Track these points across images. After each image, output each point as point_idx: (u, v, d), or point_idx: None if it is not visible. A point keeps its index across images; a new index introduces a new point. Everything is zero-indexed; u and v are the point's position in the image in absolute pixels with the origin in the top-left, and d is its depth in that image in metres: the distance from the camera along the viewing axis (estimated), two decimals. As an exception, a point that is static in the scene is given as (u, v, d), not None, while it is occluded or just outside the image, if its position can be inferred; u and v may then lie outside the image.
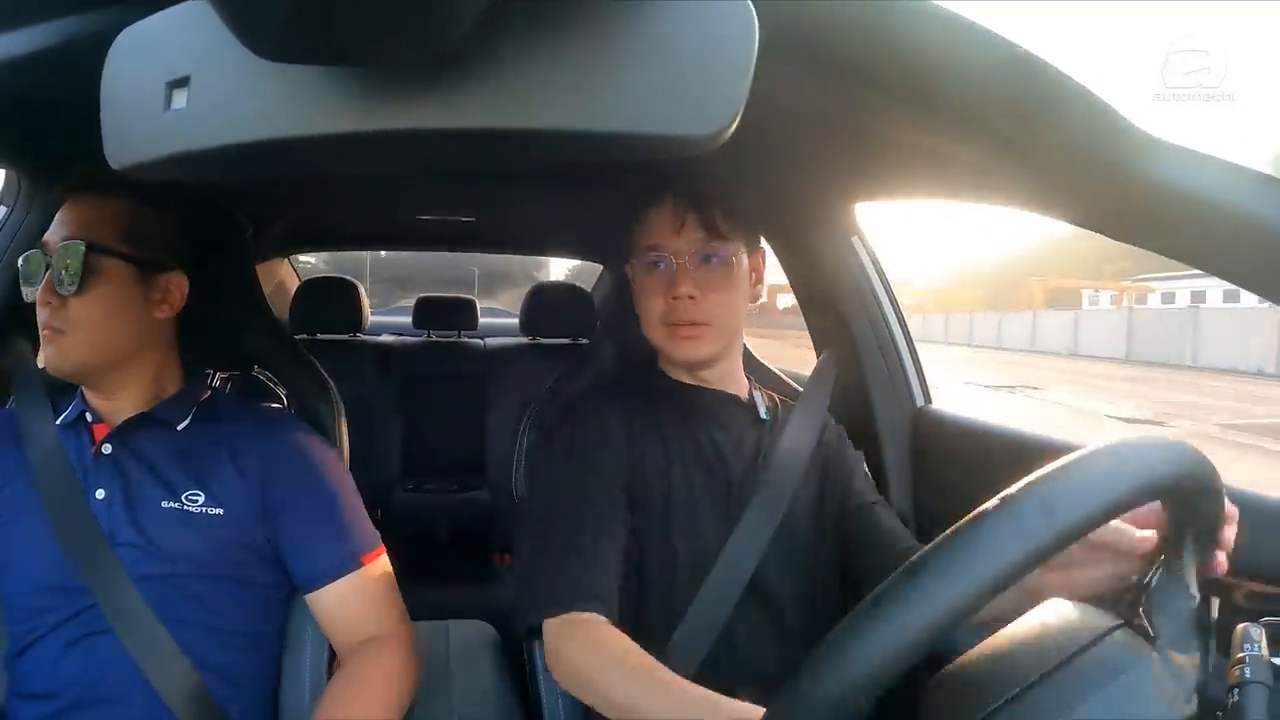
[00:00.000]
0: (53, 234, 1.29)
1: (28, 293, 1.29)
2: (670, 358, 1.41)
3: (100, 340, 1.29)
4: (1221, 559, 0.77)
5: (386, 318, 4.44)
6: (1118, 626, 0.66)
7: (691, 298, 1.32)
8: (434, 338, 3.77)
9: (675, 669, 1.23)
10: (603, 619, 1.20)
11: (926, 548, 0.60)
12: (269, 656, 1.40)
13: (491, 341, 3.74)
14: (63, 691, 1.24)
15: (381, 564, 1.39)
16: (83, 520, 1.25)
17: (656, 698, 1.07)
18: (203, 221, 1.39)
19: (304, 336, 3.28)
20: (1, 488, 1.31)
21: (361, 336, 3.55)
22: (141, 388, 1.36)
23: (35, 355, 1.52)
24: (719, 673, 1.27)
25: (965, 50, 0.79)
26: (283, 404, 1.60)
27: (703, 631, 1.29)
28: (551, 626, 1.21)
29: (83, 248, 1.25)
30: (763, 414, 1.47)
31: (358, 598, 1.35)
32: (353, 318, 3.43)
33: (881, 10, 0.78)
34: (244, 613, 1.34)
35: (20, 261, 1.29)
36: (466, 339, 3.78)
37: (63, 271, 1.25)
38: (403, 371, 3.52)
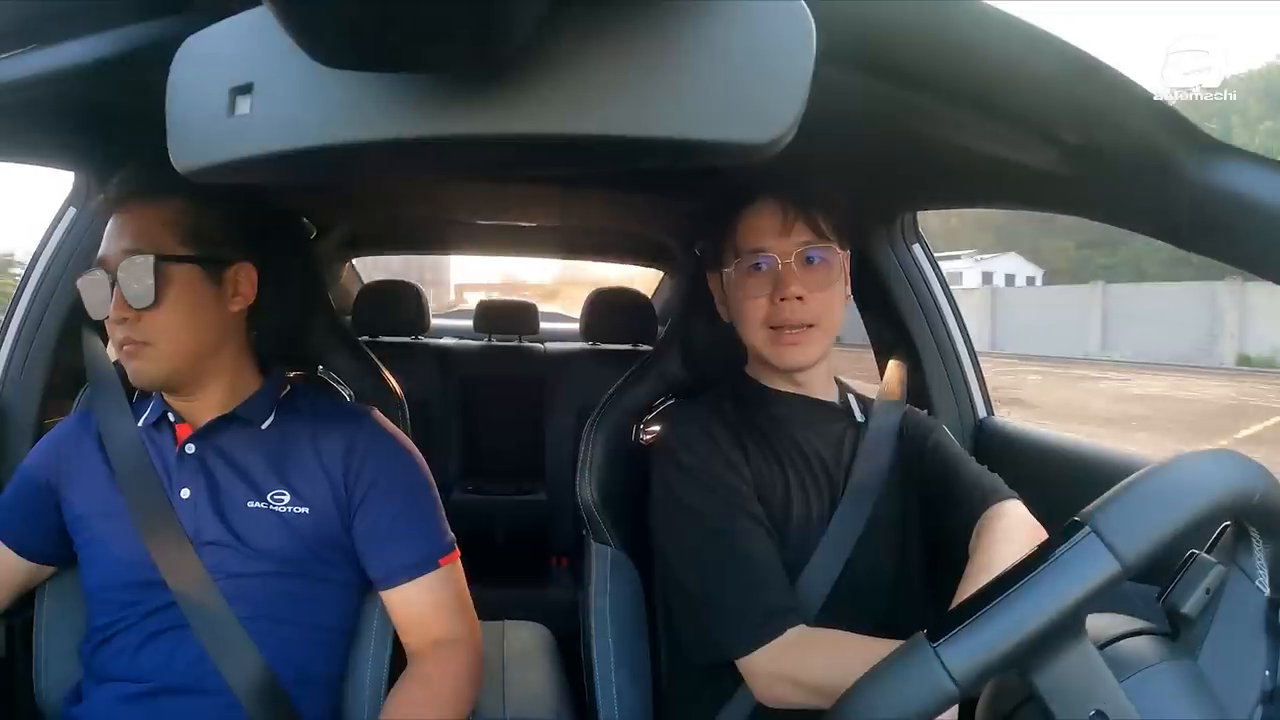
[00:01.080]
0: (111, 248, 1.28)
1: (96, 311, 1.28)
2: (776, 364, 1.38)
3: (183, 347, 1.29)
4: None
5: (448, 321, 4.48)
6: (1161, 635, 0.66)
7: (799, 299, 1.31)
8: (494, 341, 3.80)
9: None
10: (804, 626, 1.23)
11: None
12: (340, 653, 1.41)
13: (551, 346, 3.76)
14: (138, 681, 1.26)
15: (457, 568, 1.39)
16: (165, 519, 1.27)
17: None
18: (260, 211, 1.39)
19: (366, 338, 3.32)
20: (86, 487, 1.33)
21: (423, 339, 3.58)
22: (222, 386, 1.35)
23: (109, 352, 1.56)
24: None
25: (1027, 54, 0.78)
26: (344, 400, 1.61)
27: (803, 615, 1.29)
28: (761, 659, 1.23)
29: (150, 261, 1.24)
30: (859, 416, 1.47)
31: (432, 599, 1.35)
32: (414, 320, 3.46)
33: (941, 14, 0.77)
34: (320, 609, 1.35)
35: (81, 284, 1.28)
36: (527, 343, 3.80)
37: (133, 286, 1.24)
38: (463, 374, 3.55)
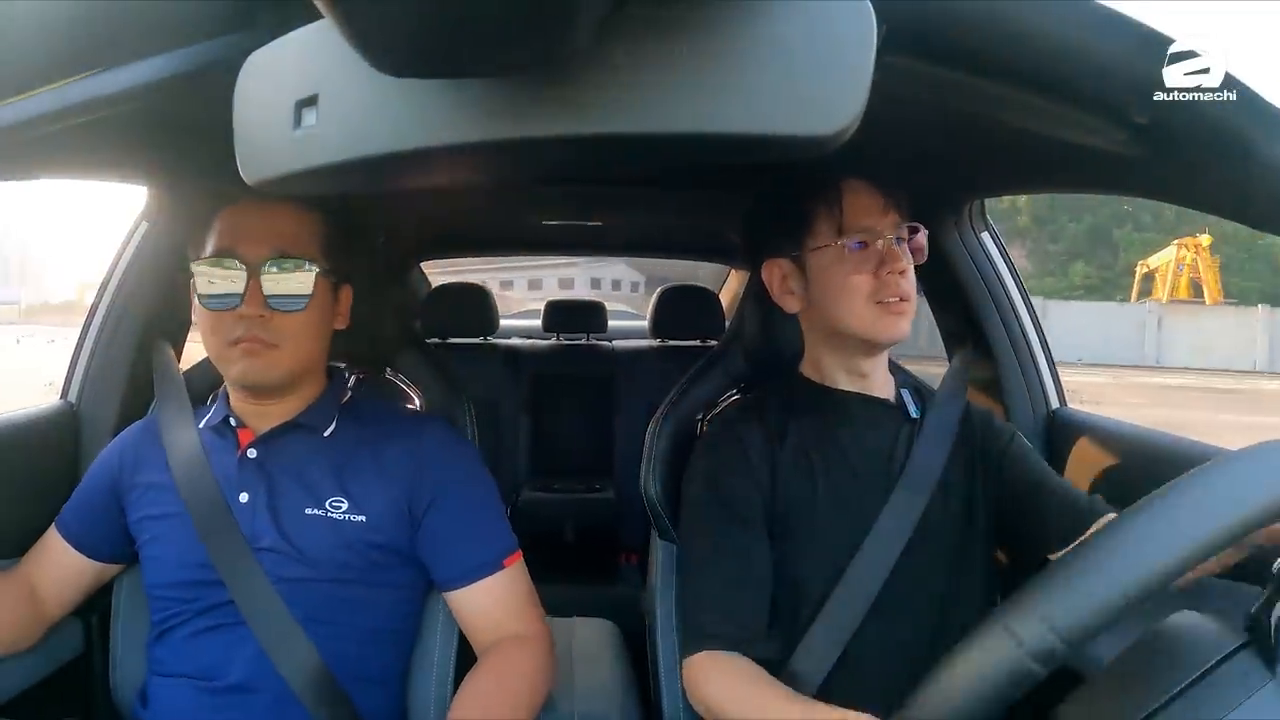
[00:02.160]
0: (249, 243, 1.28)
1: (222, 304, 1.27)
2: (878, 337, 1.36)
3: (305, 353, 1.33)
4: None
5: (517, 321, 4.51)
6: (1240, 648, 0.62)
7: (903, 273, 1.32)
8: (563, 340, 3.82)
9: (805, 671, 1.27)
10: (737, 655, 1.26)
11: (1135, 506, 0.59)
12: (401, 652, 1.43)
13: (620, 344, 3.77)
14: (198, 676, 1.29)
15: (521, 567, 1.41)
16: (224, 522, 1.30)
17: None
18: (353, 232, 1.42)
19: (436, 340, 3.36)
20: (149, 487, 1.37)
21: (491, 340, 3.62)
22: (299, 395, 1.38)
23: (179, 360, 1.59)
24: (849, 679, 1.28)
25: (1093, 33, 0.76)
26: (417, 405, 1.63)
27: (835, 633, 1.29)
28: (691, 664, 1.29)
29: (308, 268, 1.28)
30: (913, 412, 1.44)
31: (499, 598, 1.37)
32: (483, 321, 3.50)
33: None
34: (380, 612, 1.36)
35: (204, 271, 1.27)
36: (595, 341, 3.81)
37: (282, 288, 1.27)
38: (531, 373, 3.57)
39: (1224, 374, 25.74)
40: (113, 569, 1.45)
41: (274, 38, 0.68)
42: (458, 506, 1.38)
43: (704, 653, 1.27)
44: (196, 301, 1.30)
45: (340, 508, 1.32)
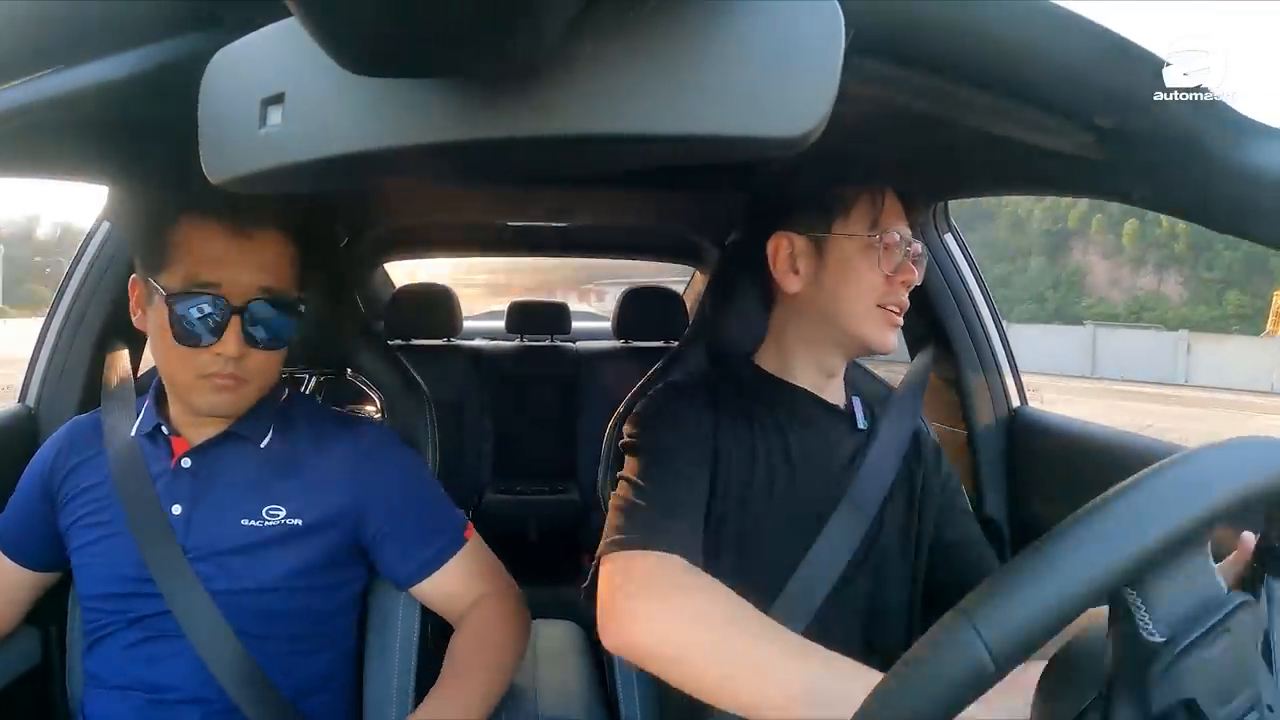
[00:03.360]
0: (231, 277, 1.22)
1: (203, 342, 1.22)
2: (871, 342, 1.32)
3: (268, 384, 1.32)
4: None
5: (481, 323, 4.50)
6: None
7: (909, 286, 1.31)
8: (526, 342, 3.81)
9: None
10: (680, 559, 1.10)
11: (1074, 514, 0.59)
12: (344, 654, 1.42)
13: (584, 345, 3.77)
14: (135, 687, 1.27)
15: (475, 537, 1.42)
16: (159, 530, 1.27)
17: (754, 639, 0.99)
18: (317, 237, 1.39)
19: (399, 342, 3.35)
20: (88, 489, 1.33)
21: (455, 341, 3.60)
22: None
23: (137, 366, 1.57)
24: None
25: (1058, 38, 0.77)
26: (377, 407, 1.63)
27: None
28: (612, 563, 1.11)
29: (289, 302, 1.27)
30: (861, 423, 1.41)
31: (464, 574, 1.39)
32: (447, 323, 3.48)
33: (972, 2, 0.76)
34: (320, 617, 1.36)
35: (184, 308, 1.21)
36: (559, 343, 3.81)
37: (268, 334, 1.25)
38: (495, 375, 3.57)
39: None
40: (51, 578, 1.41)
41: (240, 36, 0.67)
42: (404, 506, 1.37)
43: (636, 551, 1.10)
44: (162, 323, 1.22)
45: (277, 515, 1.30)
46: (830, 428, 1.38)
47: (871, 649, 1.30)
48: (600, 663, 1.59)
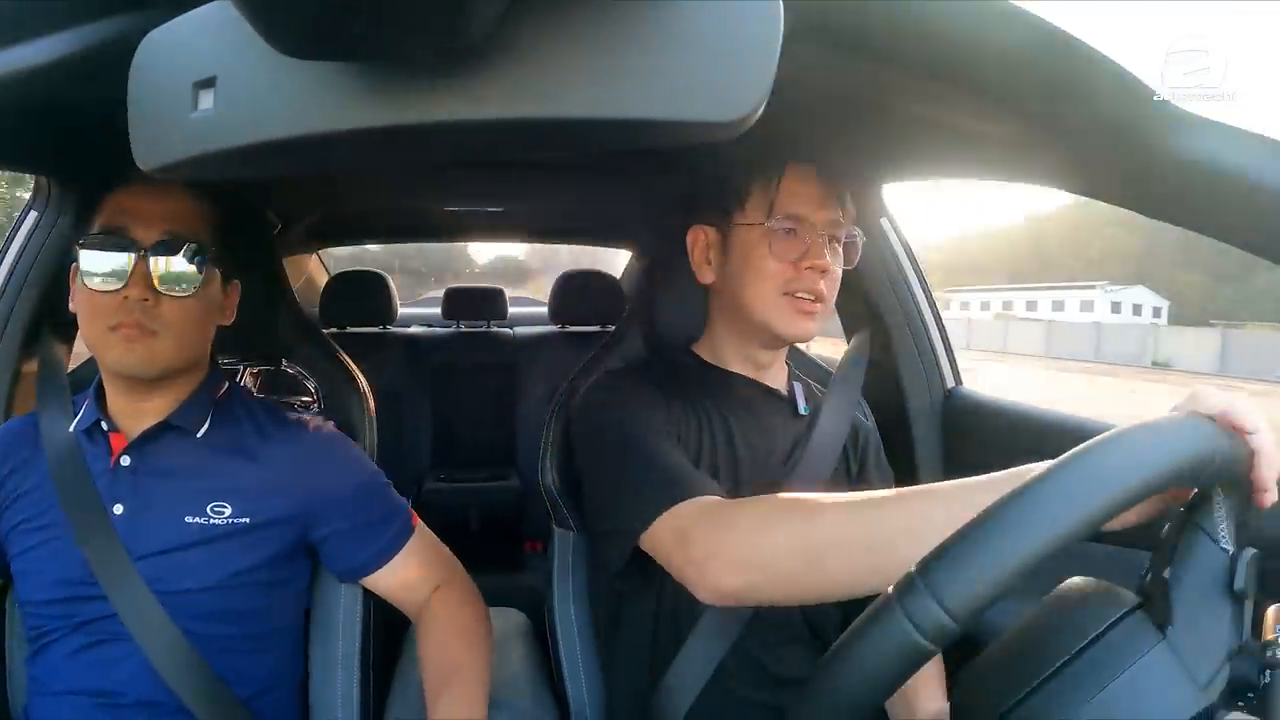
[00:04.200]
0: (140, 224, 1.21)
1: (106, 284, 1.19)
2: (785, 331, 1.31)
3: (187, 345, 1.26)
4: (1270, 495, 0.74)
5: (417, 309, 4.46)
6: (1131, 610, 0.65)
7: (824, 271, 1.28)
8: (463, 328, 3.78)
9: (691, 661, 1.24)
10: (714, 497, 1.11)
11: (977, 516, 0.60)
12: (293, 653, 1.41)
13: (520, 330, 3.74)
14: (83, 692, 1.24)
15: (420, 524, 1.42)
16: (102, 531, 1.24)
17: (845, 509, 0.95)
18: (245, 222, 1.37)
19: (334, 330, 3.30)
20: (26, 492, 1.29)
21: (392, 329, 3.57)
22: (175, 392, 1.31)
23: (68, 357, 1.53)
24: (736, 672, 1.27)
25: (996, 29, 0.78)
26: (313, 396, 1.60)
27: (723, 625, 1.27)
28: (667, 524, 1.10)
29: (202, 248, 1.22)
30: (802, 409, 1.42)
31: (415, 563, 1.38)
32: (383, 310, 3.44)
33: None
34: (269, 614, 1.34)
35: (93, 250, 1.20)
36: (496, 328, 3.78)
37: (175, 271, 1.21)
38: (432, 362, 3.53)
39: None
40: None
41: (171, 17, 0.66)
42: (354, 502, 1.36)
43: (682, 504, 1.09)
44: (79, 284, 1.22)
45: (223, 513, 1.28)
46: (771, 413, 1.39)
47: (814, 632, 1.33)
48: (545, 649, 1.60)
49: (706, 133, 0.58)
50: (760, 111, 0.58)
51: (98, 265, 1.20)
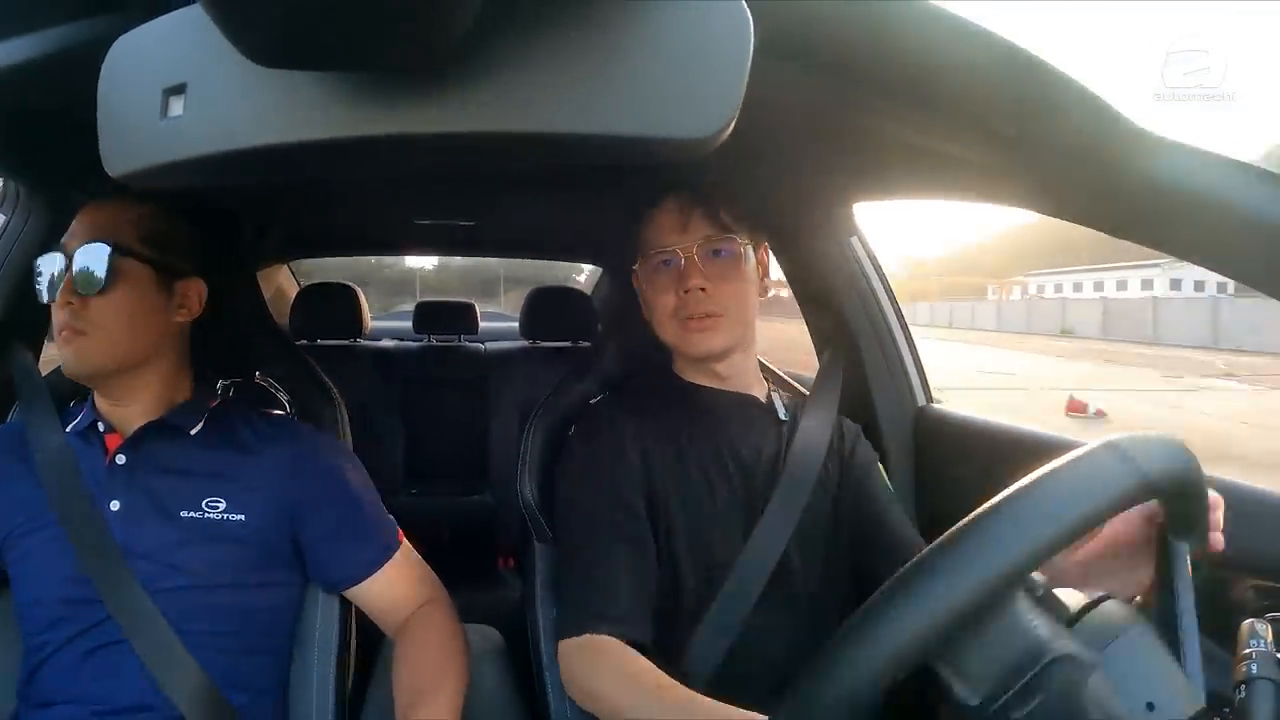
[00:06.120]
0: (73, 236, 1.27)
1: (45, 294, 1.27)
2: (686, 353, 1.41)
3: (120, 342, 1.28)
4: (1218, 538, 0.77)
5: (387, 323, 4.43)
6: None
7: (703, 289, 1.34)
8: (434, 342, 3.76)
9: (697, 666, 1.26)
10: (616, 640, 1.22)
11: (923, 551, 0.60)
12: (280, 660, 1.41)
13: (491, 345, 3.72)
14: (79, 702, 1.24)
15: (406, 542, 1.44)
16: (96, 532, 1.25)
17: (666, 712, 1.09)
18: (216, 227, 1.39)
19: (304, 342, 3.28)
20: (14, 501, 1.30)
21: (362, 342, 3.54)
22: (155, 393, 1.35)
23: (37, 363, 1.52)
24: (739, 672, 1.29)
25: (964, 50, 0.79)
26: (285, 410, 1.60)
27: (723, 630, 1.31)
28: (567, 649, 1.26)
29: (106, 249, 1.24)
30: (783, 415, 1.48)
31: (403, 577, 1.41)
32: (353, 323, 3.42)
33: (878, 10, 0.78)
34: (260, 617, 1.35)
35: (39, 263, 1.28)
36: (466, 343, 3.76)
37: (85, 271, 1.23)
38: (403, 376, 3.50)
39: None
40: None
41: (142, 22, 0.65)
42: (341, 510, 1.39)
43: (585, 636, 1.24)
44: None
45: (218, 507, 1.30)
46: (757, 422, 1.45)
47: (814, 630, 1.36)
48: (517, 665, 1.59)
49: (677, 150, 0.59)
50: (730, 127, 0.58)
51: (42, 278, 1.27)
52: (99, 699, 1.23)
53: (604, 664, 1.21)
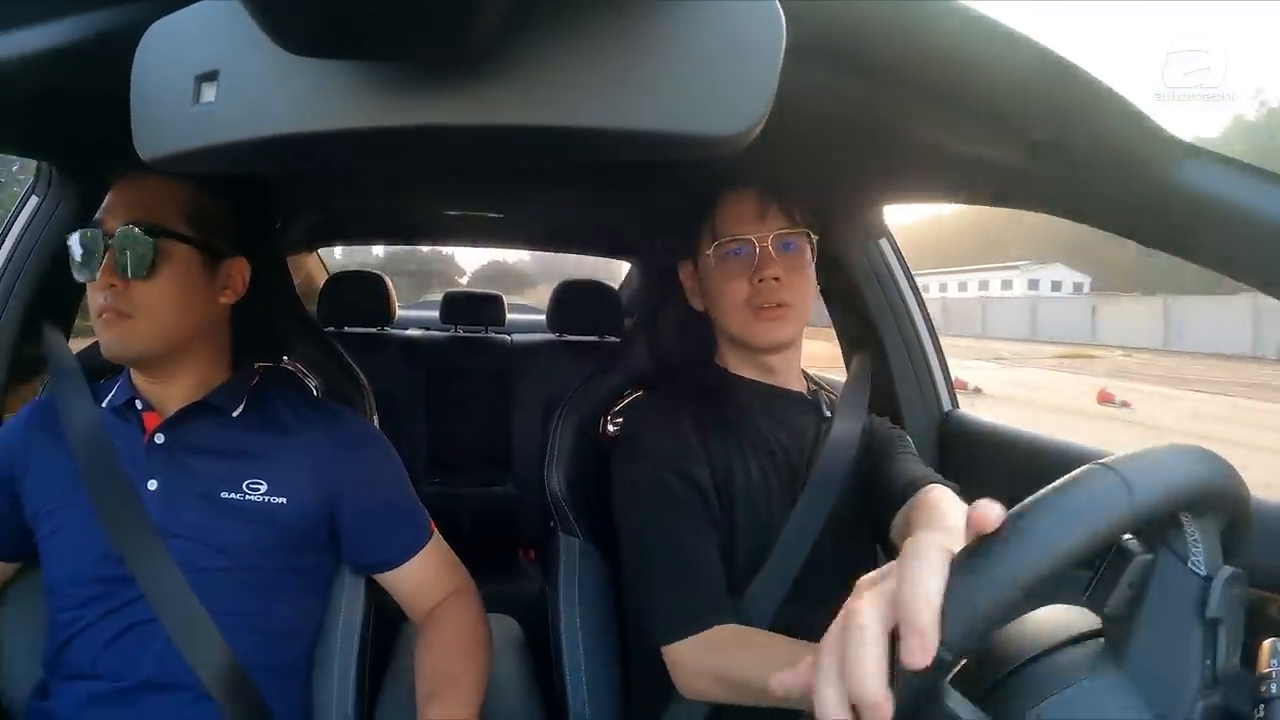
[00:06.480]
0: (111, 215, 1.24)
1: (82, 275, 1.24)
2: (752, 342, 1.42)
3: (166, 325, 1.26)
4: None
5: (415, 312, 4.44)
6: (1092, 635, 0.65)
7: (777, 279, 1.36)
8: (461, 333, 3.77)
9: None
10: (730, 624, 1.25)
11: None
12: (307, 645, 1.42)
13: (518, 338, 3.72)
14: (108, 679, 1.24)
15: (438, 535, 1.45)
16: (131, 510, 1.24)
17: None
18: (253, 205, 1.39)
19: (331, 329, 3.29)
20: (47, 478, 1.30)
21: (389, 330, 3.55)
22: (197, 374, 1.33)
23: (67, 340, 1.53)
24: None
25: (997, 53, 0.78)
26: (314, 395, 1.60)
27: (765, 603, 1.32)
28: (686, 649, 1.26)
29: (149, 230, 1.22)
30: (826, 411, 1.49)
31: (433, 565, 1.42)
32: (381, 311, 3.43)
33: (912, 12, 0.77)
34: (291, 601, 1.35)
35: (73, 242, 1.24)
36: (493, 334, 3.77)
37: (127, 254, 1.21)
38: (429, 366, 3.51)
39: None
40: (8, 569, 1.38)
41: (177, 8, 0.66)
42: (380, 494, 1.40)
43: (721, 628, 1.25)
44: None
45: (259, 490, 1.30)
46: (801, 414, 1.48)
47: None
48: (535, 656, 1.59)
49: (708, 147, 0.58)
50: (760, 127, 0.58)
51: (78, 258, 1.24)
52: (126, 675, 1.24)
53: (740, 654, 1.22)
